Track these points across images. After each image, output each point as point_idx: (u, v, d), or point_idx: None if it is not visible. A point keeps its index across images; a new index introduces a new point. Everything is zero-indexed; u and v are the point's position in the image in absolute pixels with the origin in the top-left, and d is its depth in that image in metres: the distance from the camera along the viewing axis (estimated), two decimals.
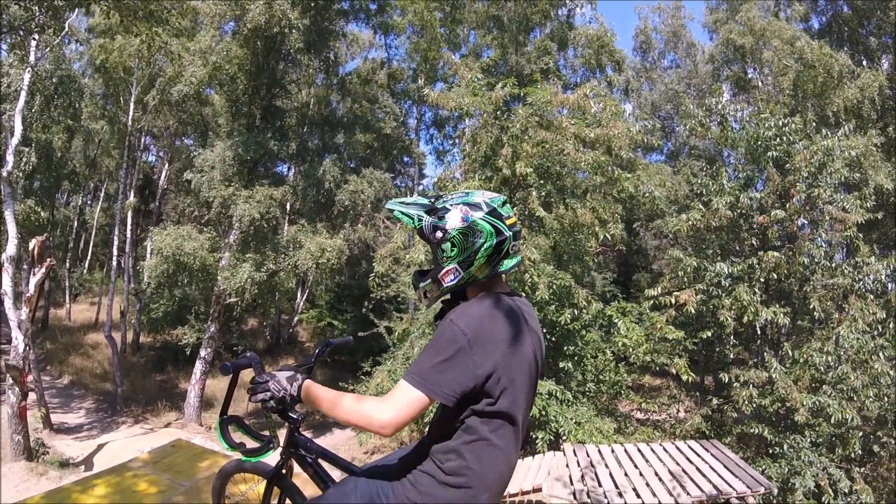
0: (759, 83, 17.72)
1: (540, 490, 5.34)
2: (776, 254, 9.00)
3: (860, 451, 8.13)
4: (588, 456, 6.55)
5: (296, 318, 21.28)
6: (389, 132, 18.69)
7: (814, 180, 9.16)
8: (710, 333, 9.42)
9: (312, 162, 14.29)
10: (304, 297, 21.01)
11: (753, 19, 16.71)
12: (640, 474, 6.09)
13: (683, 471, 6.50)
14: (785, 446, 8.36)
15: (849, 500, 7.50)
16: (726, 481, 6.11)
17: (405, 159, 21.26)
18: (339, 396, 1.39)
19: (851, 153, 9.26)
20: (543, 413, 7.78)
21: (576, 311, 8.80)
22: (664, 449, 7.07)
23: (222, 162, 12.59)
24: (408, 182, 22.46)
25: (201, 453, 3.73)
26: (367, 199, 14.20)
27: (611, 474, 5.96)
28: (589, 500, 5.09)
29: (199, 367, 13.38)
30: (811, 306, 8.85)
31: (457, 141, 19.81)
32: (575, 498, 5.15)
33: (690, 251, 10.51)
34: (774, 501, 7.43)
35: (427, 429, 1.62)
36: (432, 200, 1.49)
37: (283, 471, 1.82)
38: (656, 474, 6.14)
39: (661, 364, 9.18)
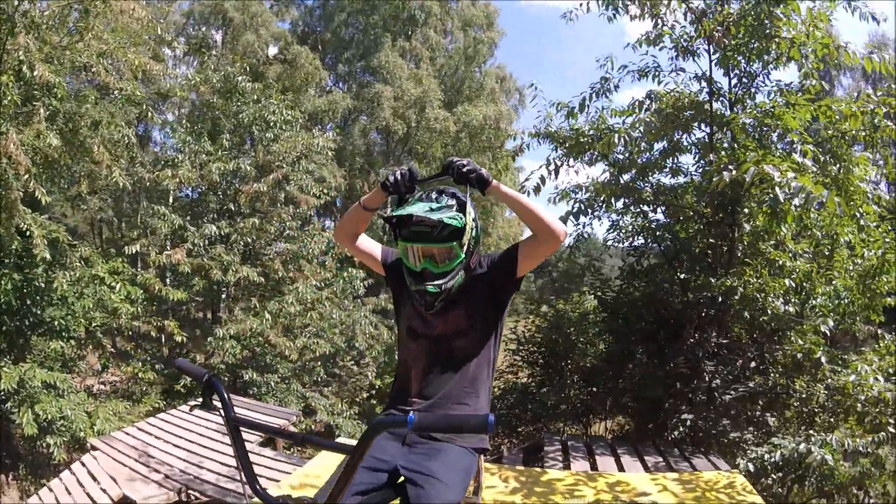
0: (216, 54, 18.50)
1: (131, 502, 4.31)
2: (255, 220, 10.13)
3: (325, 376, 10.69)
4: (127, 444, 5.70)
5: None
6: None
7: (291, 166, 10.77)
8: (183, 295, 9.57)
9: None
10: None
11: None
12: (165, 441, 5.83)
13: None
14: (272, 383, 9.88)
15: (329, 411, 9.67)
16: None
17: None
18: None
19: (326, 149, 11.68)
20: (46, 414, 6.27)
21: (71, 274, 7.42)
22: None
23: None
24: None
25: None
26: None
27: (165, 451, 5.53)
28: (178, 483, 4.65)
29: None
30: (276, 267, 10.23)
31: None
32: (165, 487, 4.60)
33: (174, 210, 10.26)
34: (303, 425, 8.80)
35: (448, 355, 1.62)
36: (436, 197, 1.53)
37: None
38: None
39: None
